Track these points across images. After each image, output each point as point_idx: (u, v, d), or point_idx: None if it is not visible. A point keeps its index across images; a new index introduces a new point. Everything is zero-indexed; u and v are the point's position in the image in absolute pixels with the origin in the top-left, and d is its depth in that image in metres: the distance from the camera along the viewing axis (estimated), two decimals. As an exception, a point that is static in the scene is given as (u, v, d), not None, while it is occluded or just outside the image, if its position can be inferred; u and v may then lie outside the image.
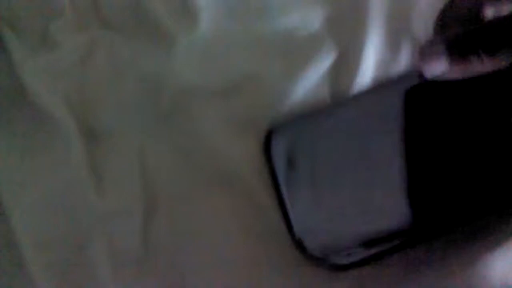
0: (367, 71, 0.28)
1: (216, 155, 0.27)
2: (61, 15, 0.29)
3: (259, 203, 0.27)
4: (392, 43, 0.29)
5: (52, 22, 0.29)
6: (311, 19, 0.29)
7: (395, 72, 0.26)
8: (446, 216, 0.21)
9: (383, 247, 0.22)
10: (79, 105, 0.29)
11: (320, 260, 0.23)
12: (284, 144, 0.24)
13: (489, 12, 0.24)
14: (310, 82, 0.28)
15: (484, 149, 0.21)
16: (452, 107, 0.22)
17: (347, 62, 0.28)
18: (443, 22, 0.24)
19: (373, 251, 0.22)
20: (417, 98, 0.22)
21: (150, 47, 0.29)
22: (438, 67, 0.22)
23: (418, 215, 0.21)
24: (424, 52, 0.22)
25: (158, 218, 0.27)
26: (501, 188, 0.21)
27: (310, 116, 0.24)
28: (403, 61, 0.28)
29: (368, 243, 0.21)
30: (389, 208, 0.21)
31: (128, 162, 0.28)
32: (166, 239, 0.27)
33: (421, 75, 0.21)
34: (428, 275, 0.25)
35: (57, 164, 0.28)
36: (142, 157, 0.28)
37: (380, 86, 0.24)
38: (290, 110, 0.27)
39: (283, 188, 0.23)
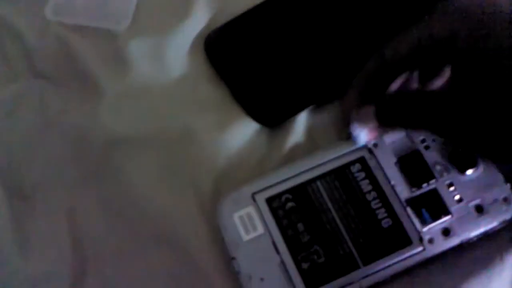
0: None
1: (150, 212, 0.26)
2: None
3: (198, 266, 0.25)
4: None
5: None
6: None
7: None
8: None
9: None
10: (6, 164, 0.27)
11: None
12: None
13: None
14: (245, 134, 0.27)
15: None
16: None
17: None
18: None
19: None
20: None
21: (80, 96, 0.28)
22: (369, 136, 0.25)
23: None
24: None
25: (87, 281, 0.25)
26: None
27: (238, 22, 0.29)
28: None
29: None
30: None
31: (57, 221, 0.26)
32: None
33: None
34: None
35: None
36: (71, 216, 0.26)
37: None
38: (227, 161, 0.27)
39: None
